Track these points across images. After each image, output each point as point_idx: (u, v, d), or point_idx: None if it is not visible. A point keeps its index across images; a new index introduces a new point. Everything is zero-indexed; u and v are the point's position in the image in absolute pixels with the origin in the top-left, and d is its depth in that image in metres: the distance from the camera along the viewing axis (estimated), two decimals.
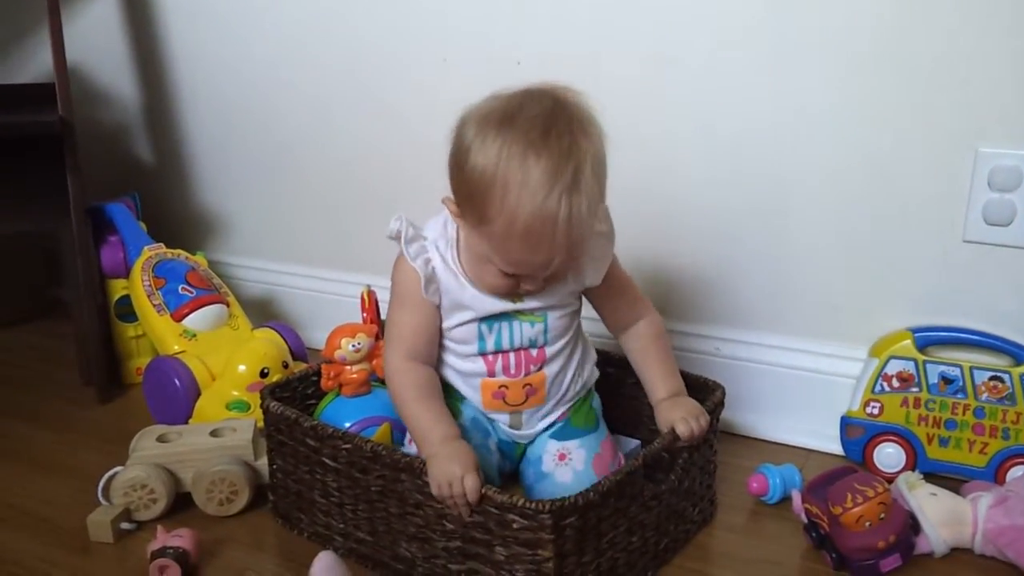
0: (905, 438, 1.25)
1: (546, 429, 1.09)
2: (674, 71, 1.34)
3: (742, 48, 1.28)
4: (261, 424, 1.20)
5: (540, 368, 1.05)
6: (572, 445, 1.07)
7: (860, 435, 1.27)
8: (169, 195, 1.93)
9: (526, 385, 1.05)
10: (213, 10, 1.74)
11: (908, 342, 1.24)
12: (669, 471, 1.04)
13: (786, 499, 1.20)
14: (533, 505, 0.88)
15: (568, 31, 1.39)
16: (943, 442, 1.23)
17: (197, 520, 1.18)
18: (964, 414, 1.22)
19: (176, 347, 1.47)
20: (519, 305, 1.01)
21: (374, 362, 1.20)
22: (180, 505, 1.20)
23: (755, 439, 1.39)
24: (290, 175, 1.78)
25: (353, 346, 1.17)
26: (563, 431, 1.09)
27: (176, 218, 1.93)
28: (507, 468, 1.10)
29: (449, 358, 1.06)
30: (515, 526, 0.90)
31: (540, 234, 0.87)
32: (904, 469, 1.25)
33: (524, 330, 1.03)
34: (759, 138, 1.31)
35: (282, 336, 1.54)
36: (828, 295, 1.34)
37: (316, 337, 1.72)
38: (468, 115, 0.92)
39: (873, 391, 1.26)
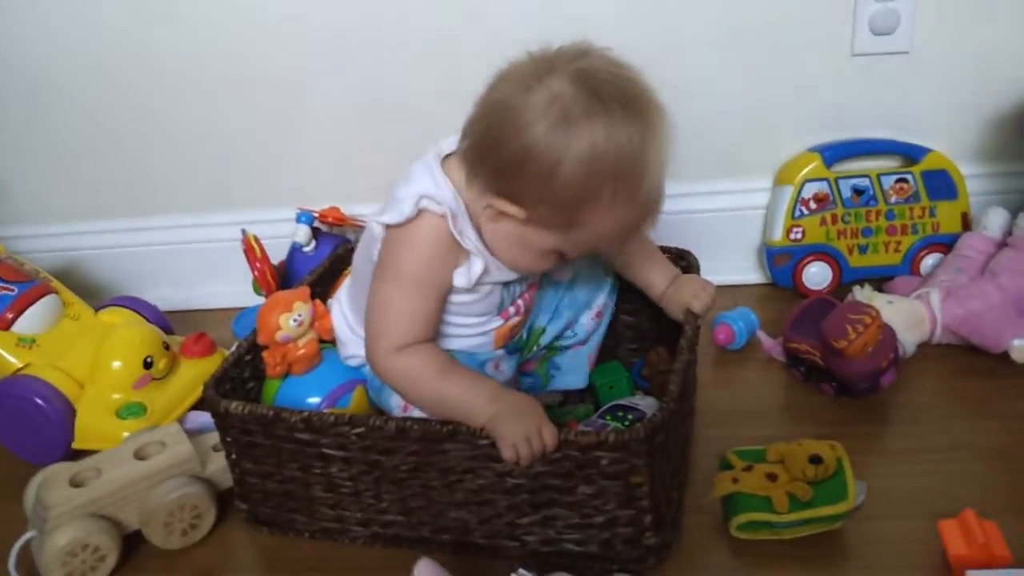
0: (829, 254, 1.30)
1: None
2: None
3: None
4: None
5: (534, 286, 1.00)
6: (597, 297, 1.05)
7: (787, 262, 1.32)
8: None
9: (527, 309, 1.00)
10: None
11: (817, 163, 1.28)
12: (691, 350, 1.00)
13: (750, 342, 1.23)
14: (625, 435, 0.81)
15: None
16: (862, 250, 1.31)
17: (155, 559, 0.98)
18: (877, 220, 1.29)
19: (17, 362, 1.16)
20: None
21: (316, 325, 1.02)
22: (127, 547, 0.98)
23: None
24: (59, 118, 1.43)
25: (294, 320, 0.98)
26: (570, 296, 1.04)
27: None
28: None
29: (453, 330, 0.94)
30: (603, 462, 0.83)
31: (642, 224, 0.83)
32: (831, 284, 1.32)
33: None
34: None
35: (139, 313, 1.28)
36: (727, 132, 1.33)
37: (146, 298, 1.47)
38: (521, 105, 0.78)
39: (793, 217, 1.29)
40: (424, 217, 0.86)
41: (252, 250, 1.18)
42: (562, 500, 0.87)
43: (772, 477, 0.92)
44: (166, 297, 1.47)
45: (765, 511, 0.89)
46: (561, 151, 0.76)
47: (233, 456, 0.97)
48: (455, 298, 0.91)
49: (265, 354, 1.00)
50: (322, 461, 0.92)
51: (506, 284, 0.94)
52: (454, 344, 0.94)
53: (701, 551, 0.91)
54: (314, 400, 1.00)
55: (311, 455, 0.92)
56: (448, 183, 0.87)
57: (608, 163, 0.77)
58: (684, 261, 1.11)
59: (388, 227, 0.88)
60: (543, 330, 1.05)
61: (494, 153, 0.80)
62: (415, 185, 0.88)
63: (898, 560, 0.86)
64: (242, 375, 1.03)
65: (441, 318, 0.92)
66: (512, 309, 0.97)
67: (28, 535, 0.96)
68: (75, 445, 1.13)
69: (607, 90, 0.77)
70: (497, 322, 0.96)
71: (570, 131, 0.76)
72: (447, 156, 0.89)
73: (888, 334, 1.07)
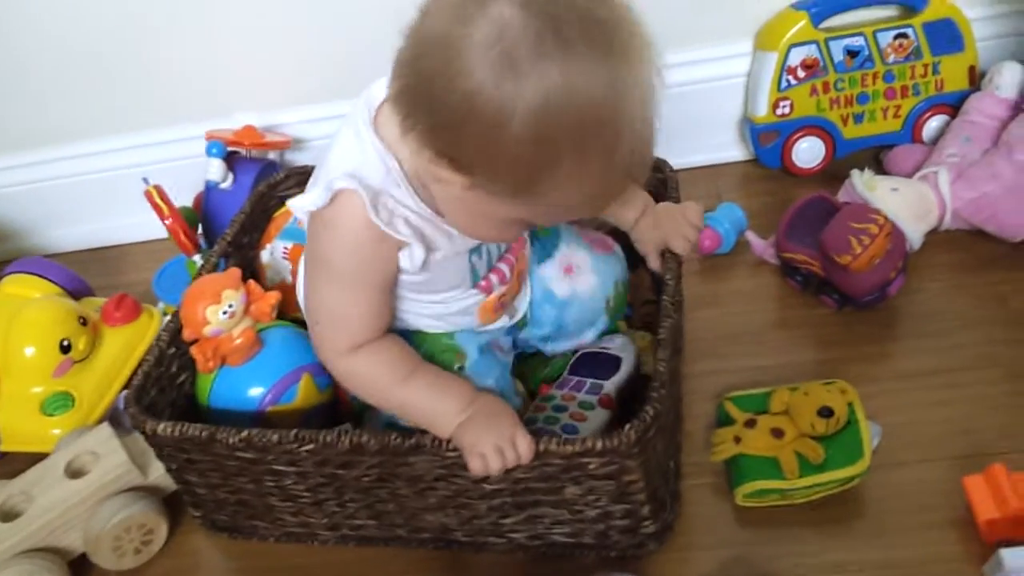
0: (821, 127, 1.15)
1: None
2: None
3: None
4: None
5: (523, 248, 0.84)
6: (566, 252, 0.90)
7: (775, 140, 1.16)
8: None
9: (518, 273, 0.84)
10: None
11: (804, 23, 1.10)
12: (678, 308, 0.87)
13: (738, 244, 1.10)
14: (615, 441, 0.70)
15: None
16: (857, 119, 1.15)
17: None
18: (874, 83, 1.13)
19: None
20: None
21: (252, 309, 0.88)
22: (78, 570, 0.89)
23: None
24: None
25: (224, 312, 0.84)
26: (543, 246, 0.90)
27: None
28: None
29: (424, 309, 0.79)
30: (591, 466, 0.73)
31: (618, 190, 0.66)
32: (824, 159, 1.17)
33: None
34: None
35: (47, 278, 1.12)
36: None
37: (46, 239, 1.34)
38: (459, 41, 0.58)
39: (780, 89, 1.13)
40: (344, 199, 0.69)
41: (158, 207, 1.01)
42: (548, 500, 0.77)
43: (778, 433, 0.83)
44: (71, 236, 1.33)
45: (773, 478, 0.81)
46: (506, 103, 0.57)
47: (174, 468, 0.86)
48: (407, 278, 0.76)
49: (193, 350, 0.87)
50: (274, 475, 0.82)
51: (475, 249, 0.77)
52: (430, 324, 0.81)
53: (704, 524, 0.83)
54: (256, 392, 0.88)
55: (260, 471, 0.81)
56: (377, 145, 0.69)
57: (569, 120, 0.58)
58: (659, 173, 0.96)
59: (309, 212, 0.72)
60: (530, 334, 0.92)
61: (429, 104, 0.61)
62: (335, 154, 0.71)
63: (920, 518, 0.79)
64: (169, 371, 0.90)
65: (397, 302, 0.78)
66: (495, 278, 0.81)
67: None
68: (2, 447, 1.02)
69: (567, 18, 0.57)
70: (476, 296, 0.80)
71: (517, 77, 0.57)
72: (381, 104, 0.70)
73: (897, 240, 0.95)
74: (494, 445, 0.70)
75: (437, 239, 0.73)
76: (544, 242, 0.90)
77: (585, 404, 0.85)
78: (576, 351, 0.92)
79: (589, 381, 0.89)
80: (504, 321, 0.86)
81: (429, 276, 0.76)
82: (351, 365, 0.75)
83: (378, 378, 0.75)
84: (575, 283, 0.89)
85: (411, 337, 0.79)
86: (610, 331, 0.93)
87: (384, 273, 0.73)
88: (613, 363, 0.90)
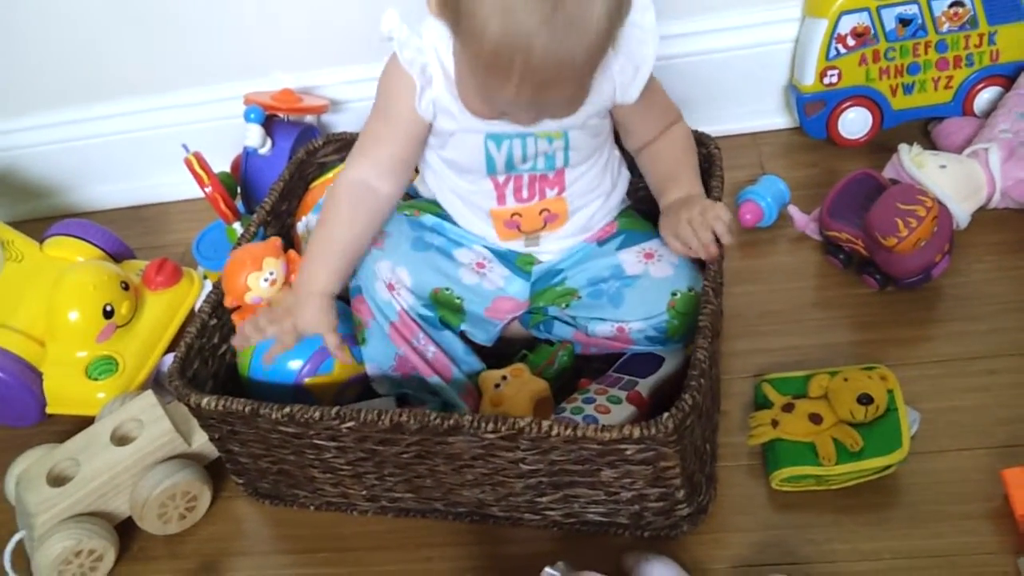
0: (869, 98, 1.12)
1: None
2: None
3: None
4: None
5: (559, 193, 0.86)
6: (653, 244, 0.89)
7: (821, 110, 1.13)
8: None
9: (543, 210, 0.88)
10: None
11: None
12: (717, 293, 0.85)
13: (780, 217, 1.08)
14: (652, 429, 0.70)
15: None
16: (907, 89, 1.12)
17: (158, 544, 0.92)
18: (926, 53, 1.09)
19: None
20: (532, 128, 0.81)
21: (293, 279, 0.88)
22: (126, 532, 0.92)
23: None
24: None
25: (265, 280, 0.85)
26: (631, 238, 0.90)
27: None
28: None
29: (450, 182, 0.89)
30: (628, 452, 0.73)
31: (506, 66, 0.67)
32: (871, 131, 1.14)
33: (539, 146, 0.83)
34: None
35: (88, 241, 1.13)
36: None
37: (87, 196, 1.36)
38: None
39: (828, 58, 1.10)
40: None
41: (198, 175, 1.01)
42: (584, 481, 0.78)
43: (816, 419, 0.83)
44: (110, 194, 1.35)
45: (810, 463, 0.81)
46: None
47: (217, 438, 0.88)
48: (437, 154, 0.87)
49: (235, 317, 0.89)
50: (315, 449, 0.83)
51: (494, 137, 0.82)
52: (460, 212, 0.90)
53: (738, 506, 0.83)
54: (295, 365, 0.89)
55: (301, 444, 0.83)
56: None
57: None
58: (704, 148, 0.94)
59: None
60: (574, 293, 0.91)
61: None
62: None
63: (955, 508, 0.79)
64: (211, 342, 0.91)
65: (433, 178, 0.90)
66: (510, 187, 0.85)
67: (19, 536, 0.90)
68: (49, 410, 1.04)
69: None
70: (487, 187, 0.86)
71: None
72: None
73: (944, 222, 0.93)
74: (268, 320, 0.82)
75: (450, 107, 0.81)
76: (633, 234, 0.91)
77: (613, 398, 0.85)
78: (623, 353, 0.91)
79: (626, 378, 0.88)
80: (520, 245, 0.90)
81: (451, 154, 0.85)
82: (346, 184, 0.85)
83: (334, 208, 0.85)
84: (650, 267, 0.88)
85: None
86: (664, 337, 0.87)
87: (400, 108, 0.82)
88: (655, 362, 0.89)
